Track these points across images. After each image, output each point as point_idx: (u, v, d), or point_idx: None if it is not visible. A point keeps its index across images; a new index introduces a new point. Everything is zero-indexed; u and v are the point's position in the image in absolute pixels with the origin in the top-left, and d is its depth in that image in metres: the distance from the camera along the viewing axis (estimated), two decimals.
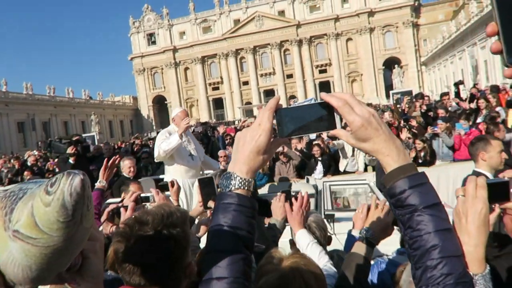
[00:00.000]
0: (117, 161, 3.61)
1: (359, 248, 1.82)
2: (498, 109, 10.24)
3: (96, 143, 15.27)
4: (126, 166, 7.33)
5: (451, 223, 1.01)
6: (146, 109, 79.88)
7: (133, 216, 1.43)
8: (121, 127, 74.36)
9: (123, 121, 76.21)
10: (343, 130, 0.99)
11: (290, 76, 72.00)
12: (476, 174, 2.62)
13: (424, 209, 0.92)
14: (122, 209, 2.47)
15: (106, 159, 3.62)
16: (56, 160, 9.41)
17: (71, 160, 7.58)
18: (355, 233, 2.09)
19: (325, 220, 2.65)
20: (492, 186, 1.09)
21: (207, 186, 2.43)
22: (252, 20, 72.06)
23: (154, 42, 78.52)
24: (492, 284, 1.04)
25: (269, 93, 72.44)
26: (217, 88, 77.05)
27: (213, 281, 0.95)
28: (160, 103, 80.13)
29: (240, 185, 1.00)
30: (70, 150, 7.55)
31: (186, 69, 78.24)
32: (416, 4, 68.17)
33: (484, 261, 1.05)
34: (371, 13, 67.86)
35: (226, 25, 74.09)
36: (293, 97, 63.59)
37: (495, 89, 12.92)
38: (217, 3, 74.69)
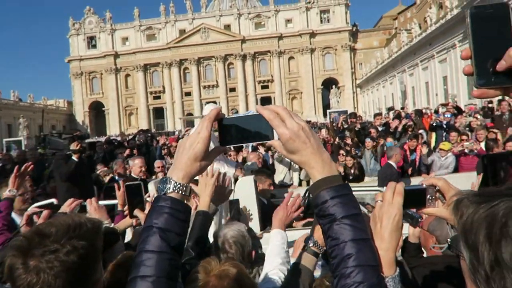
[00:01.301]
0: (29, 169, 3.34)
1: (304, 259, 1.82)
2: (421, 131, 11.29)
3: (24, 148, 14.19)
4: (137, 165, 6.55)
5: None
6: (82, 115, 75.85)
7: (34, 227, 1.32)
8: None
9: (56, 126, 71.58)
10: (278, 141, 1.02)
11: (233, 89, 72.66)
12: None
13: (343, 219, 0.95)
14: (35, 216, 2.25)
15: (17, 166, 3.36)
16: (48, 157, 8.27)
17: (74, 157, 6.77)
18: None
19: (246, 236, 2.51)
20: (410, 192, 1.14)
21: (134, 194, 2.27)
22: (198, 31, 72.05)
23: (94, 46, 75.33)
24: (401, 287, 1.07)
25: None
26: (158, 97, 75.46)
27: (137, 279, 0.98)
28: (97, 109, 76.59)
29: (174, 189, 1.04)
30: (74, 146, 6.79)
31: (127, 75, 75.83)
32: (354, 29, 72.69)
33: (394, 264, 1.07)
34: (312, 35, 71.04)
35: (171, 34, 73.25)
36: (234, 110, 64.19)
37: (419, 113, 14.20)
38: (163, 11, 73.74)
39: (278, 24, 71.75)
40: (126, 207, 2.41)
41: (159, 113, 75.44)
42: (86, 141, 8.64)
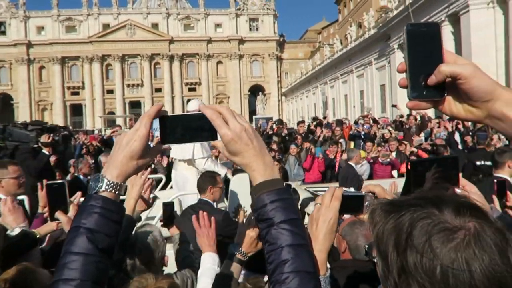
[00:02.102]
0: None
1: (228, 267, 1.79)
2: (341, 140, 12.03)
3: None
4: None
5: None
6: None
7: None
8: None
9: None
10: (221, 142, 1.00)
11: (159, 90, 70.67)
12: (497, 178, 2.99)
13: (281, 223, 0.93)
14: None
15: None
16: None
17: (45, 151, 6.06)
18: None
19: (159, 241, 2.40)
20: (347, 198, 1.17)
21: (56, 194, 2.08)
22: (123, 27, 68.96)
23: (3, 33, 68.06)
24: None
25: (135, 105, 69.63)
26: (77, 93, 70.58)
27: (60, 282, 0.92)
28: (4, 102, 69.21)
29: (107, 187, 0.99)
30: (45, 138, 6.12)
31: (41, 68, 69.74)
32: (281, 40, 75.18)
33: (326, 265, 1.11)
34: (241, 41, 72.04)
35: (93, 28, 69.10)
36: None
37: (340, 123, 15.13)
38: (85, 3, 69.32)
39: (207, 27, 71.54)
40: (46, 209, 2.21)
41: (77, 110, 70.52)
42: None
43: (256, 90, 69.76)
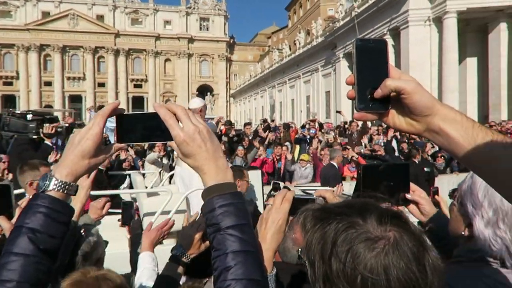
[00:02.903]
0: None
1: (170, 269, 1.75)
2: (287, 143, 12.32)
3: None
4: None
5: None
6: None
7: None
8: None
9: None
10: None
11: (102, 84, 67.68)
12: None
13: (228, 229, 0.91)
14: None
15: None
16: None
17: (48, 142, 5.63)
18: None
19: (98, 242, 2.35)
20: (298, 201, 1.19)
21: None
22: (65, 17, 65.20)
23: None
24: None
25: (76, 99, 66.11)
26: (10, 84, 65.46)
27: None
28: None
29: (55, 186, 0.95)
30: (48, 129, 5.71)
31: None
32: (231, 41, 75.32)
33: (272, 264, 1.13)
34: (191, 40, 71.14)
35: (32, 15, 64.59)
36: (102, 107, 59.75)
37: (287, 126, 15.48)
38: None
39: (156, 23, 69.80)
40: None
41: (9, 101, 65.28)
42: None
43: (204, 90, 69.20)
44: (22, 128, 5.80)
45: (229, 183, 0.97)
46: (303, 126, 14.78)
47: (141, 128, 1.01)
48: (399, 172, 1.47)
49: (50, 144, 5.90)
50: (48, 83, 65.81)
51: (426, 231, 1.53)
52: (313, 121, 15.49)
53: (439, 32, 21.81)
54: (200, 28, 72.41)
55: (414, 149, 9.14)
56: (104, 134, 1.04)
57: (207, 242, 1.71)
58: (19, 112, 6.15)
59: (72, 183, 0.98)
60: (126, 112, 1.03)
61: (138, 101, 67.77)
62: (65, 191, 0.97)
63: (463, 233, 1.23)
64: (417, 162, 8.64)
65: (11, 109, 8.24)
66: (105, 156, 1.05)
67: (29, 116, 5.81)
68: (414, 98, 0.77)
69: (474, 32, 23.51)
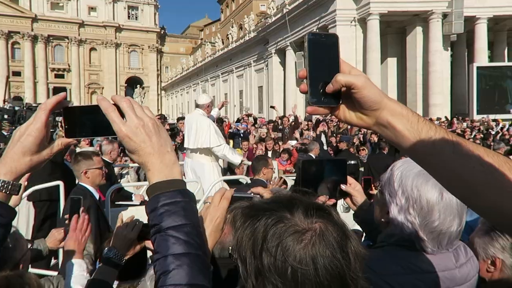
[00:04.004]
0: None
1: (102, 272, 1.66)
2: None
3: None
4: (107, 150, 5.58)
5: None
6: None
7: None
8: None
9: None
10: None
11: (17, 73, 61.80)
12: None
13: (168, 229, 0.85)
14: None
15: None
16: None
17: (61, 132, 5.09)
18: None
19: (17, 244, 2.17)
20: (237, 199, 1.19)
21: None
22: None
23: None
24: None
25: None
26: None
27: None
28: None
29: None
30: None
31: None
32: (162, 32, 73.05)
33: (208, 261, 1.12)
34: (118, 29, 67.73)
35: None
36: (18, 98, 54.57)
37: (220, 121, 15.46)
38: None
39: (79, 9, 65.28)
40: None
41: None
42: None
43: (134, 82, 66.42)
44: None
45: (174, 180, 0.90)
46: (238, 121, 14.84)
47: (89, 122, 0.95)
48: (337, 167, 1.53)
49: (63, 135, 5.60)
50: None
51: (356, 219, 1.65)
52: (249, 115, 15.62)
53: (363, 33, 23.17)
54: (129, 17, 69.22)
55: (382, 142, 9.55)
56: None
57: (144, 243, 1.64)
58: (35, 105, 5.78)
59: (13, 182, 0.92)
60: (73, 105, 0.97)
61: (60, 92, 62.78)
62: (5, 191, 0.90)
63: (382, 219, 1.33)
64: (385, 153, 9.11)
65: (27, 102, 7.77)
66: (50, 153, 0.99)
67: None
68: (364, 92, 0.78)
69: (394, 34, 25.33)
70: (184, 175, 6.24)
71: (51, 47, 64.63)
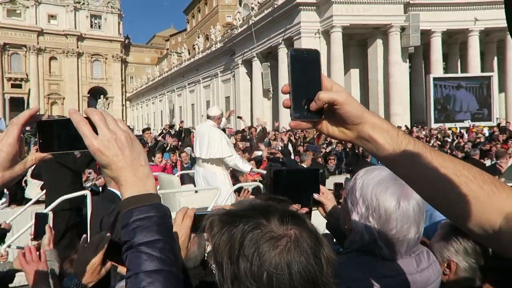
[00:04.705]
0: None
1: None
2: (188, 148, 12.24)
3: None
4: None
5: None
6: None
7: None
8: None
9: None
10: None
11: None
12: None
13: (140, 246, 0.83)
14: None
15: None
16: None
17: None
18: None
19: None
20: (200, 217, 1.21)
21: None
22: None
23: None
24: None
25: None
26: None
27: None
28: None
29: None
30: None
31: None
32: (126, 42, 71.80)
33: None
34: (80, 38, 65.93)
35: None
36: None
37: (188, 132, 15.41)
38: None
39: (39, 17, 62.99)
40: None
41: None
42: None
43: (97, 93, 64.67)
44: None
45: (147, 194, 0.88)
46: None
47: (65, 136, 0.92)
48: (309, 177, 1.58)
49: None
50: None
51: (328, 227, 1.73)
52: None
53: (327, 44, 23.88)
54: (91, 26, 67.58)
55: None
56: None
57: (109, 264, 1.52)
58: (57, 116, 5.71)
59: None
60: (46, 119, 0.95)
61: (17, 103, 60.13)
62: None
63: (346, 226, 1.39)
64: (368, 161, 9.36)
65: (49, 114, 7.55)
66: (23, 168, 0.97)
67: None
68: (346, 108, 0.81)
69: (356, 46, 26.28)
70: (194, 183, 6.59)
71: (7, 55, 61.82)
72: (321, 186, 1.61)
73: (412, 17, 23.30)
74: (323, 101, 0.81)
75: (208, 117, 6.32)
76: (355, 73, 26.32)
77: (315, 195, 1.58)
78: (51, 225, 2.45)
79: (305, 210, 1.50)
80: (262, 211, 0.87)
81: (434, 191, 0.78)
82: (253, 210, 0.88)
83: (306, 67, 0.83)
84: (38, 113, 0.95)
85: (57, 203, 4.50)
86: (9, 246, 4.47)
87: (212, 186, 5.81)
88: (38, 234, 2.44)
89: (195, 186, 6.59)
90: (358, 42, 26.00)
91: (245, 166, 6.29)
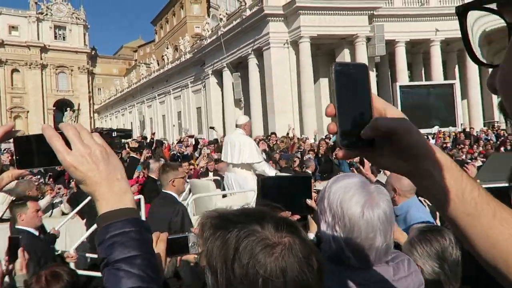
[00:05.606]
0: None
1: None
2: (162, 160, 12.10)
3: None
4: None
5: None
6: None
7: None
8: None
9: None
10: None
11: None
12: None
13: (116, 263, 0.80)
14: None
15: None
16: None
17: (134, 155, 6.38)
18: None
19: None
20: (172, 241, 1.22)
21: None
22: None
23: None
24: None
25: None
26: None
27: None
28: None
29: None
30: (133, 144, 6.57)
31: None
32: (93, 53, 70.33)
33: None
34: (44, 49, 63.95)
35: None
36: None
37: (160, 143, 15.26)
38: None
39: None
40: None
41: None
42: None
43: (63, 105, 62.74)
44: (109, 144, 5.56)
45: (124, 209, 0.85)
46: (180, 141, 14.70)
47: (41, 152, 0.89)
48: (300, 184, 1.57)
49: (138, 157, 6.64)
50: None
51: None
52: (191, 136, 15.57)
53: (296, 54, 24.35)
54: (56, 37, 65.74)
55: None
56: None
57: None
58: (106, 129, 6.37)
59: None
60: (22, 134, 0.92)
61: None
62: None
63: (319, 234, 1.40)
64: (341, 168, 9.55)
65: (98, 127, 7.63)
66: (3, 184, 0.98)
67: (114, 133, 6.31)
68: (407, 139, 0.68)
69: (325, 55, 26.92)
70: (225, 188, 6.93)
71: None
72: (313, 193, 1.63)
73: (376, 27, 24.18)
74: (380, 130, 0.67)
75: (237, 125, 6.87)
76: (324, 82, 26.91)
77: (308, 201, 1.59)
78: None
79: (296, 217, 1.50)
80: (257, 218, 0.88)
81: (491, 247, 0.66)
82: (247, 216, 0.89)
83: (353, 84, 0.71)
84: (13, 129, 0.93)
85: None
86: None
87: (249, 188, 6.20)
88: (12, 257, 2.47)
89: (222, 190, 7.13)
90: (327, 51, 26.65)
91: (271, 172, 6.61)
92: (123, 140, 6.03)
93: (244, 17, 25.96)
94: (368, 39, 24.45)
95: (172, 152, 12.81)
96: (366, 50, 24.44)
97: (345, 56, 25.09)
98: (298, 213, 1.54)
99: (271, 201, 1.43)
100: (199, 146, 13.82)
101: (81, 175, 0.84)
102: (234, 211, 0.93)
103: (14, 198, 4.69)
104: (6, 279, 2.41)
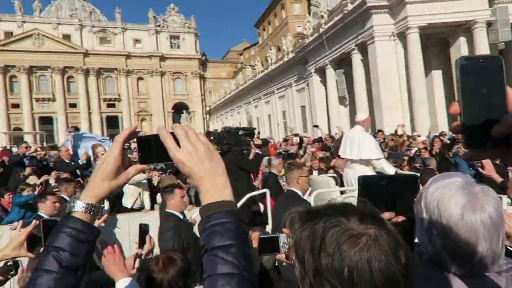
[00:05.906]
0: None
1: None
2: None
3: None
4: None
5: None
6: None
7: None
8: None
9: None
10: None
11: (73, 105, 66.26)
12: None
13: (214, 249, 0.88)
14: None
15: None
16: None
17: (258, 151, 6.68)
18: None
19: None
20: (264, 240, 1.25)
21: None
22: (30, 37, 63.59)
23: None
24: None
25: (46, 121, 64.37)
26: None
27: None
28: None
29: (80, 208, 1.02)
30: (257, 141, 6.71)
31: None
32: (203, 58, 75.75)
33: None
34: (162, 58, 70.97)
35: None
36: (76, 128, 58.07)
37: (265, 142, 15.91)
38: None
39: (126, 42, 69.31)
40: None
41: None
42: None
43: (181, 108, 68.87)
44: (236, 141, 6.85)
45: (223, 202, 0.94)
46: (285, 140, 15.12)
47: (159, 149, 1.00)
48: (404, 183, 1.43)
49: (261, 153, 7.07)
50: (16, 105, 63.75)
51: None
52: (296, 135, 15.89)
53: (403, 46, 22.97)
54: (171, 46, 72.50)
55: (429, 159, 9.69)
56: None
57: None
58: (234, 128, 7.12)
59: (96, 205, 1.04)
60: (143, 135, 1.07)
61: (112, 121, 66.74)
62: (90, 212, 1.03)
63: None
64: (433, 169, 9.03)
65: (225, 126, 9.42)
66: (126, 178, 1.09)
67: (241, 132, 7.01)
68: None
69: (437, 46, 24.86)
70: (344, 184, 6.94)
71: (102, 79, 68.78)
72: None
73: (499, 10, 21.54)
74: None
75: (356, 122, 6.88)
76: (437, 75, 24.89)
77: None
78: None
79: (401, 218, 1.34)
80: (341, 210, 0.91)
81: None
82: (332, 209, 0.93)
83: (483, 79, 0.65)
84: (137, 130, 1.09)
85: (244, 200, 5.33)
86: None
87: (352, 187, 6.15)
88: (141, 242, 2.75)
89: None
90: (438, 41, 24.60)
91: (391, 170, 6.45)
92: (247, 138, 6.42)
93: (345, 12, 25.40)
94: (489, 24, 21.93)
95: (278, 151, 13.33)
96: (486, 37, 21.96)
97: (461, 45, 22.84)
98: (402, 214, 1.39)
99: (371, 200, 1.31)
100: (303, 145, 14.12)
101: (189, 170, 0.95)
102: (321, 205, 0.97)
103: (164, 186, 5.39)
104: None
